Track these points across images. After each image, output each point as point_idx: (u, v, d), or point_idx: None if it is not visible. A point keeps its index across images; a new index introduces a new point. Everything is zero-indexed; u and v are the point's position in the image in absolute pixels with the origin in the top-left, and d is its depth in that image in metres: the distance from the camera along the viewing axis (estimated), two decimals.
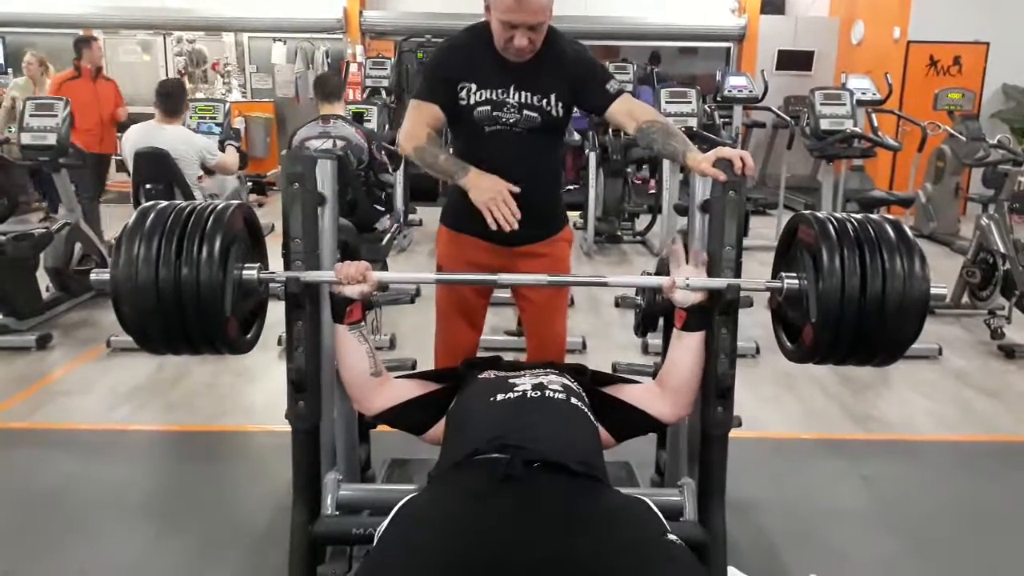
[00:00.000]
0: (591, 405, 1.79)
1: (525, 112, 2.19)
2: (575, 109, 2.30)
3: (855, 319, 1.67)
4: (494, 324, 4.00)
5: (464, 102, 2.19)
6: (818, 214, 1.82)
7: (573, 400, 1.74)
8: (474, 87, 2.18)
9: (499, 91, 2.18)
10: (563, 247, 2.44)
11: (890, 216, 1.85)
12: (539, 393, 1.73)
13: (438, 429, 1.83)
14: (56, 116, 4.33)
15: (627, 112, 2.18)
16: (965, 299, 4.65)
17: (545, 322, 2.47)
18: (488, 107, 2.18)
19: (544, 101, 2.19)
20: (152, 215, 1.72)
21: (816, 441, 3.08)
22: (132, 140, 4.27)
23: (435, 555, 1.26)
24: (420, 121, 2.19)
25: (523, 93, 2.18)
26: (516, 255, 2.31)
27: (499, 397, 1.72)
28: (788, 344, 1.95)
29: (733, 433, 1.93)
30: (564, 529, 1.30)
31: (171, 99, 4.32)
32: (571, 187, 6.49)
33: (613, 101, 2.19)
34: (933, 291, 1.69)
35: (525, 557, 1.24)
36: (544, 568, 1.23)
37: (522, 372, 1.86)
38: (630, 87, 6.44)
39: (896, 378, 3.70)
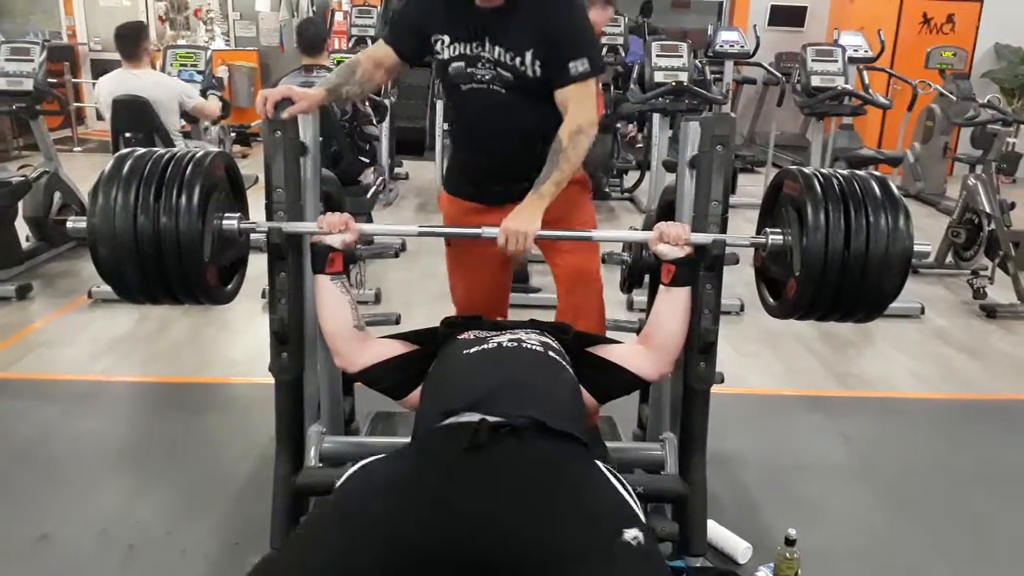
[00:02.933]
0: (573, 365, 1.76)
1: (499, 70, 2.02)
2: None
3: (838, 274, 1.67)
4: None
5: (440, 56, 2.08)
6: (804, 169, 1.81)
7: (551, 354, 1.72)
8: (447, 39, 2.06)
9: (473, 45, 2.02)
10: (574, 193, 2.18)
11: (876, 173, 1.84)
12: (515, 344, 1.71)
13: (416, 395, 1.78)
14: (32, 61, 4.22)
15: (564, 105, 2.00)
16: (949, 259, 4.67)
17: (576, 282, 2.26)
18: (462, 63, 2.06)
19: (518, 60, 2.00)
20: (130, 161, 1.69)
21: (797, 397, 3.11)
22: (106, 89, 4.16)
23: (377, 526, 1.25)
24: (364, 54, 2.17)
25: (497, 49, 2.01)
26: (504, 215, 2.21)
27: (473, 350, 1.70)
28: (771, 300, 1.96)
29: (715, 389, 1.95)
30: (516, 515, 1.25)
31: (128, 41, 4.15)
32: None
33: (568, 84, 1.98)
34: (916, 248, 1.69)
35: (468, 545, 1.21)
36: (485, 556, 1.21)
37: (502, 331, 1.82)
38: (620, 40, 6.31)
39: (878, 336, 3.73)
